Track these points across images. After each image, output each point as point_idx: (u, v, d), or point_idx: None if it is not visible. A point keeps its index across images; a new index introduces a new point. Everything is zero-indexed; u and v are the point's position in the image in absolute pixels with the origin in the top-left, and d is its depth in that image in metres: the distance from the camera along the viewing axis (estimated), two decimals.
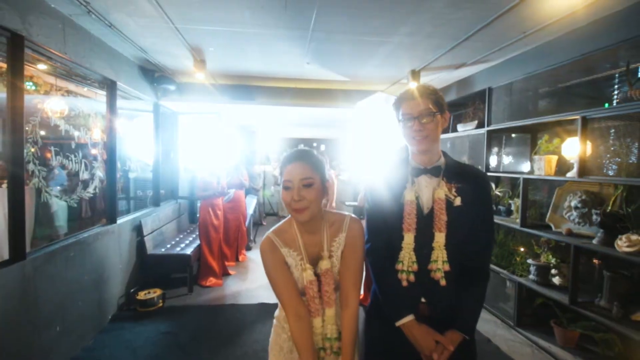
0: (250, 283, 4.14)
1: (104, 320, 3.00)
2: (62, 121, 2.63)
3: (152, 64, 3.62)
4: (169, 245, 3.99)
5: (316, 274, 1.20)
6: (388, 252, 1.26)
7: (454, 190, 1.24)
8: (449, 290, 1.20)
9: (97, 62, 2.84)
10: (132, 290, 3.34)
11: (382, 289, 1.26)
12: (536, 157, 3.00)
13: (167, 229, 4.34)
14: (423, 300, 1.22)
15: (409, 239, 1.23)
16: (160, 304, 3.38)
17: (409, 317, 1.18)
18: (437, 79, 3.97)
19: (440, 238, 1.21)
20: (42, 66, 2.47)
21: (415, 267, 1.20)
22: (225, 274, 4.31)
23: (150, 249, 3.70)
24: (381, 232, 1.29)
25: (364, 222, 1.32)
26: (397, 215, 1.26)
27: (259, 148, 8.45)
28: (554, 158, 2.90)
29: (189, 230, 4.84)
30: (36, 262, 2.14)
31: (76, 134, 2.79)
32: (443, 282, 1.18)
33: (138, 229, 3.64)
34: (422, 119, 1.22)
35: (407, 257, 1.21)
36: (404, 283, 1.21)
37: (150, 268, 3.71)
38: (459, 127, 4.03)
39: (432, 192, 1.25)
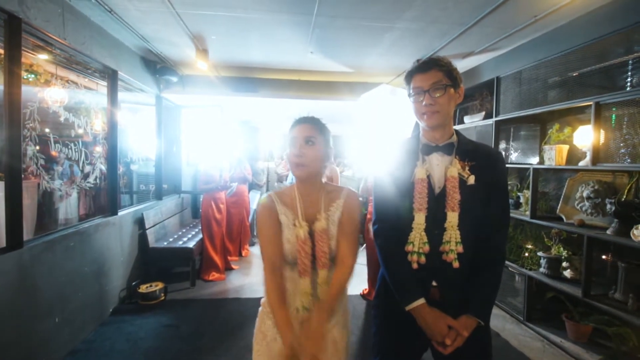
0: (253, 277, 4.08)
1: (104, 313, 2.96)
2: (62, 110, 2.59)
3: (154, 54, 3.57)
4: (171, 239, 3.94)
5: (311, 235, 1.18)
6: (397, 233, 1.20)
7: (467, 168, 1.17)
8: (462, 274, 1.14)
9: (97, 50, 2.80)
10: (133, 283, 3.30)
11: (391, 271, 1.19)
12: (546, 147, 2.92)
13: (169, 222, 4.30)
14: (434, 283, 1.15)
15: (420, 219, 1.16)
16: (162, 297, 3.33)
17: (420, 301, 1.11)
18: None
19: (453, 218, 1.14)
20: (41, 53, 2.43)
21: (426, 248, 1.13)
22: (228, 268, 4.26)
23: (152, 242, 3.66)
24: (390, 213, 1.23)
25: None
26: (407, 195, 1.19)
27: (262, 144, 8.39)
28: (565, 147, 2.82)
29: (191, 225, 4.80)
30: (34, 250, 2.10)
31: (77, 123, 2.75)
32: (456, 264, 1.11)
33: (140, 222, 3.60)
34: (433, 92, 1.15)
35: (417, 238, 1.15)
36: (414, 265, 1.15)
37: (152, 261, 3.66)
38: (466, 119, 3.95)
39: (444, 170, 1.19)
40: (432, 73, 1.16)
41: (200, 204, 4.25)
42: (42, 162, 2.35)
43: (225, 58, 3.74)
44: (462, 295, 1.14)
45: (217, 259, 4.00)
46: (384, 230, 1.23)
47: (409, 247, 1.16)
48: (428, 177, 1.19)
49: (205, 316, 3.09)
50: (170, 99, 4.61)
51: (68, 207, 2.69)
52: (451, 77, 1.17)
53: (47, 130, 2.45)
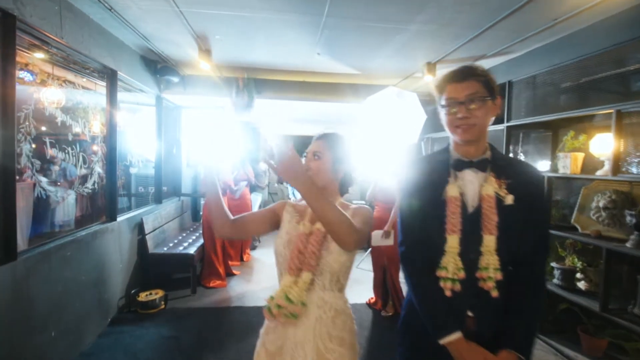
0: (256, 284, 3.98)
1: (102, 323, 2.84)
2: (59, 111, 2.47)
3: (155, 54, 3.45)
4: (171, 244, 3.83)
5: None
6: (427, 257, 1.10)
7: (504, 186, 1.08)
8: (500, 303, 1.04)
9: (96, 50, 2.68)
10: (132, 291, 3.19)
11: (422, 300, 1.09)
12: (561, 154, 2.83)
13: (169, 227, 4.18)
14: (470, 313, 1.05)
15: (453, 242, 1.06)
16: (162, 306, 3.22)
17: (456, 334, 1.01)
18: None
19: (490, 241, 1.04)
20: (37, 52, 2.30)
21: (462, 274, 1.04)
22: (230, 274, 4.15)
23: (151, 248, 3.54)
24: (418, 234, 1.13)
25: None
26: (437, 215, 1.09)
27: (263, 145, 8.27)
28: (581, 155, 2.73)
29: (192, 229, 4.68)
30: (29, 262, 1.98)
31: (74, 125, 2.63)
32: (495, 293, 1.02)
33: (139, 227, 3.48)
34: (469, 104, 1.06)
35: (451, 263, 1.05)
36: (448, 293, 1.05)
37: (152, 268, 3.55)
38: None
39: (479, 188, 1.09)
40: (469, 83, 1.06)
41: (201, 207, 4.13)
42: (37, 166, 2.23)
43: (229, 58, 3.62)
44: (500, 327, 1.04)
45: (218, 265, 3.89)
46: (413, 253, 1.13)
47: (442, 273, 1.06)
48: (461, 195, 1.09)
49: (207, 326, 2.98)
50: (170, 100, 4.49)
51: (65, 213, 2.56)
52: (489, 87, 1.08)
53: (43, 132, 2.33)
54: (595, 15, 2.38)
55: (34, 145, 2.20)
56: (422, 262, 1.11)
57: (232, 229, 1.16)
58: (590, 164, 2.69)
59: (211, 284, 3.80)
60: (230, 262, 4.30)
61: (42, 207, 2.37)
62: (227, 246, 4.23)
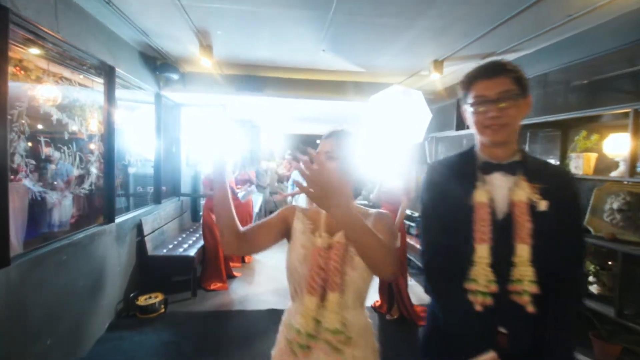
0: (258, 287, 3.89)
1: (100, 329, 2.75)
2: (55, 109, 2.36)
3: (154, 50, 3.35)
4: (170, 246, 3.73)
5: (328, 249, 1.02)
6: (453, 267, 1.02)
7: (537, 191, 1.00)
8: (535, 317, 0.96)
9: (93, 45, 2.57)
10: (131, 295, 3.09)
11: (450, 315, 1.01)
12: (573, 155, 2.75)
13: (168, 228, 4.08)
14: (502, 330, 0.97)
15: (483, 252, 0.98)
16: (162, 310, 3.13)
17: (490, 355, 0.93)
18: (460, 71, 3.71)
19: (523, 251, 0.96)
20: (32, 47, 2.20)
21: (493, 287, 0.95)
22: (231, 276, 4.06)
23: (150, 250, 3.45)
24: (443, 242, 1.04)
25: None
26: (463, 222, 1.01)
27: (263, 144, 8.19)
28: (593, 156, 2.66)
29: (191, 230, 4.58)
30: (22, 267, 1.89)
31: (70, 123, 2.53)
32: (531, 308, 0.94)
33: (138, 229, 3.39)
34: (500, 102, 0.97)
35: (482, 275, 0.97)
36: (478, 308, 0.97)
37: (151, 271, 3.45)
38: None
39: (509, 193, 1.01)
40: (500, 80, 0.98)
41: (201, 207, 4.04)
42: (32, 166, 2.13)
43: (230, 55, 3.52)
44: (534, 343, 0.96)
45: (219, 266, 3.80)
46: (437, 263, 1.05)
47: (472, 286, 0.97)
48: (490, 201, 1.01)
49: (208, 331, 2.89)
50: (170, 97, 4.39)
51: (61, 214, 2.46)
52: (520, 84, 1.00)
53: (37, 130, 2.23)
54: (608, 13, 2.30)
55: (29, 144, 2.10)
56: (448, 272, 1.03)
57: (241, 243, 1.00)
58: (602, 165, 2.62)
59: (212, 287, 3.71)
60: (231, 264, 4.21)
61: (37, 208, 2.27)
62: None
